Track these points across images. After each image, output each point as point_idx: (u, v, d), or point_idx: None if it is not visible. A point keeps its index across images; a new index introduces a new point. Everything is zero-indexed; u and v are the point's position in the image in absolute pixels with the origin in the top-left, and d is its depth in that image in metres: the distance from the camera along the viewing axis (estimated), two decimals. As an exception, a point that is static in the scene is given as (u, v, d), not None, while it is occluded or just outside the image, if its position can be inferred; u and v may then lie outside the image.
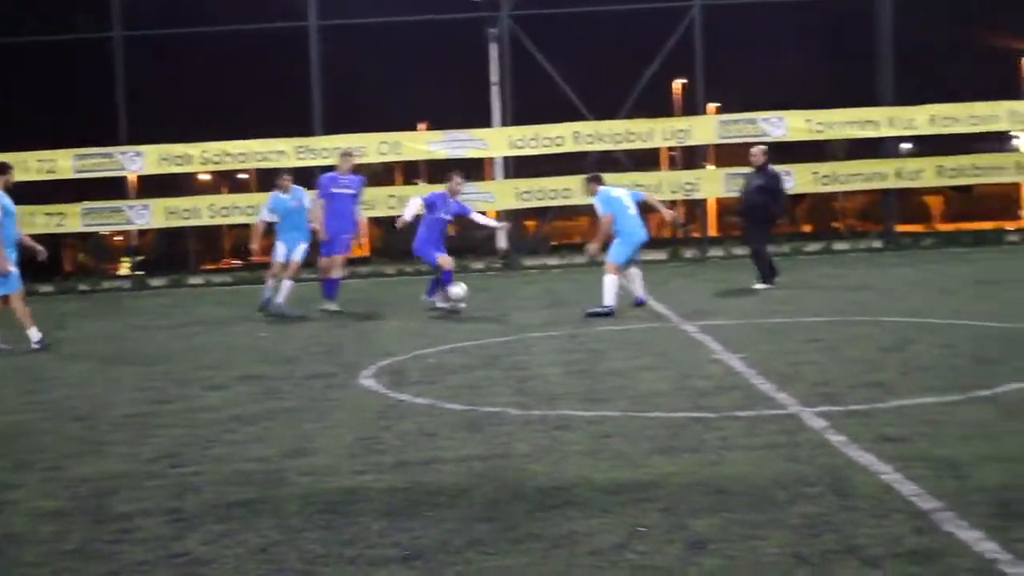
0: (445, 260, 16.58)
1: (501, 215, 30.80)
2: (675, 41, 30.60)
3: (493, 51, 30.98)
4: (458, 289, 16.38)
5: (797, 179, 28.66)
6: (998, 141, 38.36)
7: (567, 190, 29.56)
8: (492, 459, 6.99)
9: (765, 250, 19.02)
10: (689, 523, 5.46)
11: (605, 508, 5.78)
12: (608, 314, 15.29)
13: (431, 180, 44.32)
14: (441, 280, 16.66)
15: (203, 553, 5.40)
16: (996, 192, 56.80)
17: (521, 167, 30.84)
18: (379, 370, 11.15)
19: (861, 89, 31.35)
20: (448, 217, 16.84)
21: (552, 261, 31.24)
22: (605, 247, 16.31)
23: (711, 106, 35.67)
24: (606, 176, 17.99)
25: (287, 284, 17.58)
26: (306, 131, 29.77)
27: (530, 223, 43.84)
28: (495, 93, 31.02)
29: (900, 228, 32.56)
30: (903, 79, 30.86)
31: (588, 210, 18.11)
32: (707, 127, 30.23)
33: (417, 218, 16.54)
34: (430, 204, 16.57)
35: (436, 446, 7.46)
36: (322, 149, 28.35)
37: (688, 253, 30.75)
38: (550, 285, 22.88)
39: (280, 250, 17.91)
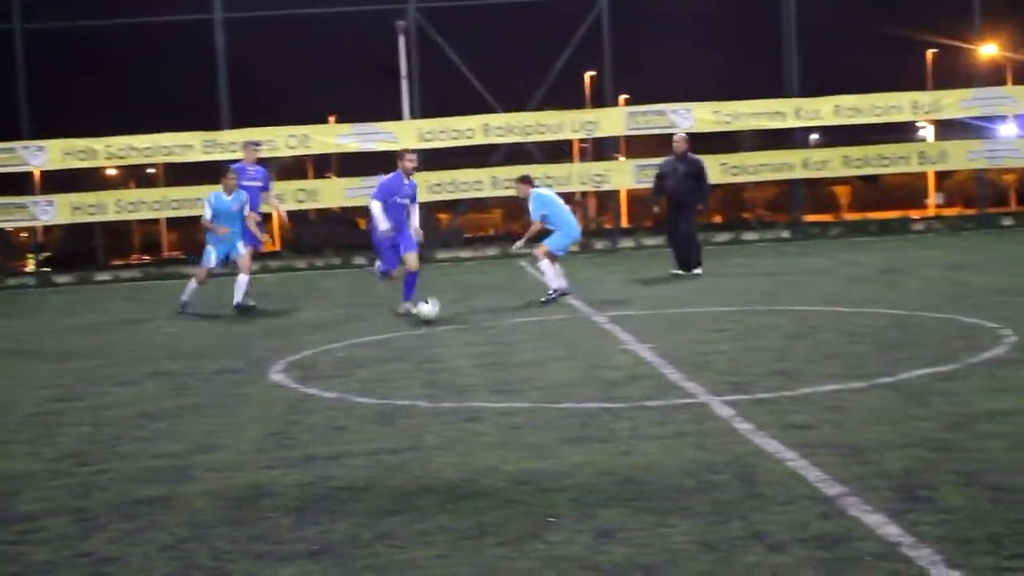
0: (392, 271, 15.67)
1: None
2: (583, 33, 30.73)
3: (401, 43, 30.88)
4: (429, 308, 14.23)
5: (706, 170, 28.90)
6: (908, 131, 39.02)
7: (478, 183, 29.61)
8: (402, 452, 6.97)
9: (697, 235, 19.78)
10: (599, 512, 5.48)
11: (515, 499, 5.78)
12: (563, 294, 15.79)
13: (341, 173, 44.10)
14: (377, 272, 15.89)
15: (109, 552, 5.33)
16: (903, 182, 57.68)
17: (432, 160, 30.81)
18: (289, 365, 11.07)
19: (770, 80, 31.75)
20: (406, 201, 15.34)
21: (465, 253, 31.24)
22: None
23: (622, 98, 35.92)
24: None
25: (244, 279, 16.73)
26: (213, 125, 29.49)
27: (443, 216, 43.85)
28: (404, 86, 30.93)
29: (809, 218, 33.04)
30: (812, 70, 31.30)
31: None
32: (616, 119, 30.41)
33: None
34: (387, 193, 15.19)
35: (345, 440, 7.43)
36: (230, 143, 28.06)
37: (599, 244, 30.89)
38: (463, 278, 22.87)
39: (211, 255, 16.98)
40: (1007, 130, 33.34)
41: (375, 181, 16.24)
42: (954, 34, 35.09)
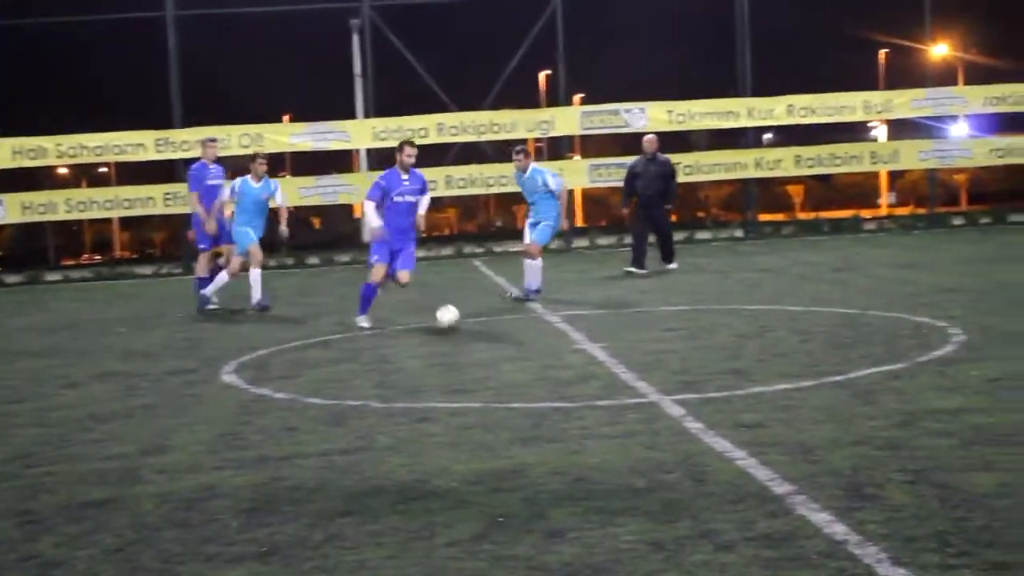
0: (377, 271, 13.64)
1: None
2: (538, 33, 30.76)
3: (355, 42, 30.80)
4: (448, 315, 12.89)
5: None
6: (861, 131, 39.30)
7: (432, 182, 29.49)
8: (353, 453, 6.95)
9: (671, 232, 20.61)
10: (549, 512, 5.49)
11: (465, 499, 5.78)
12: (538, 292, 15.62)
13: (295, 173, 43.91)
14: (363, 293, 13.75)
15: (55, 555, 5.28)
16: (856, 181, 58.16)
17: (387, 159, 30.72)
18: (240, 365, 11.01)
19: (725, 80, 31.91)
20: (409, 199, 13.60)
21: (419, 253, 31.16)
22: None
23: (577, 97, 36.00)
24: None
25: (224, 277, 16.32)
26: (166, 123, 29.29)
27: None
28: (358, 84, 30.86)
29: (762, 217, 33.20)
30: (766, 70, 31.44)
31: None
32: (570, 118, 30.44)
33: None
34: (381, 191, 13.55)
35: (297, 441, 7.40)
36: (182, 142, 27.92)
37: (553, 243, 30.87)
38: (417, 277, 22.79)
39: (249, 235, 16.19)
40: (958, 130, 33.65)
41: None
42: (906, 34, 35.37)
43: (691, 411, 7.55)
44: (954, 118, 32.88)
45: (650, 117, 29.67)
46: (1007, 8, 34.58)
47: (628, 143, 31.65)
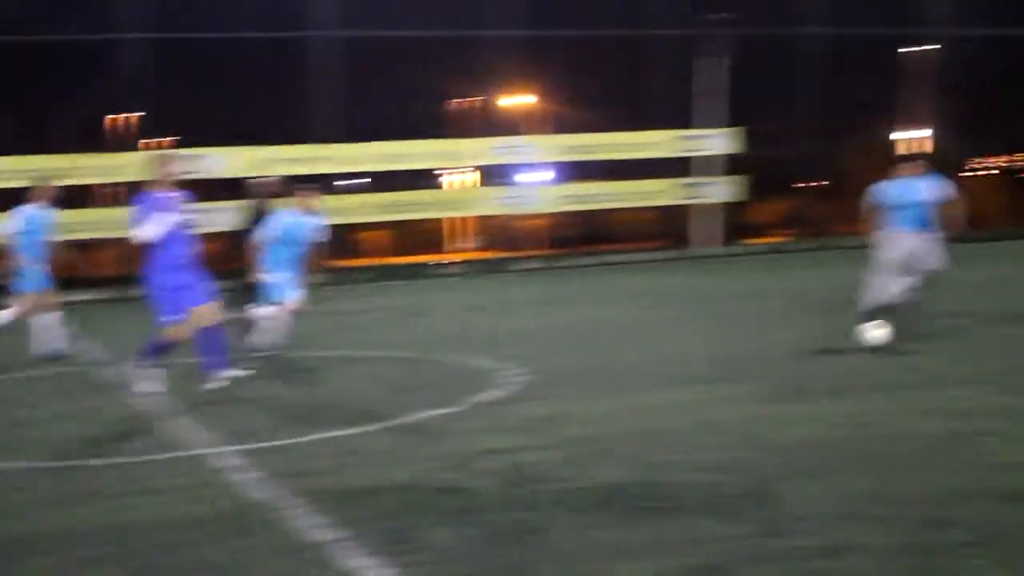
0: (180, 330, 10.86)
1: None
2: (124, 76, 29.96)
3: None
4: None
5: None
6: (431, 178, 40.28)
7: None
8: None
9: None
10: (85, 573, 5.19)
11: (-13, 568, 5.37)
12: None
13: None
14: (150, 349, 11.00)
15: None
16: (437, 226, 59.57)
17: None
18: None
19: (304, 126, 31.96)
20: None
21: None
22: None
23: (167, 140, 35.23)
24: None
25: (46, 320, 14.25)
26: None
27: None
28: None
29: (343, 263, 33.38)
30: (352, 118, 31.74)
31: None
32: (142, 163, 29.60)
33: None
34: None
35: None
36: None
37: (134, 291, 29.88)
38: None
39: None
40: (530, 177, 35.06)
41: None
42: (488, 84, 36.55)
43: (246, 462, 7.34)
44: (530, 165, 34.24)
45: (228, 163, 29.27)
46: (587, 62, 36.37)
47: (220, 188, 31.14)
